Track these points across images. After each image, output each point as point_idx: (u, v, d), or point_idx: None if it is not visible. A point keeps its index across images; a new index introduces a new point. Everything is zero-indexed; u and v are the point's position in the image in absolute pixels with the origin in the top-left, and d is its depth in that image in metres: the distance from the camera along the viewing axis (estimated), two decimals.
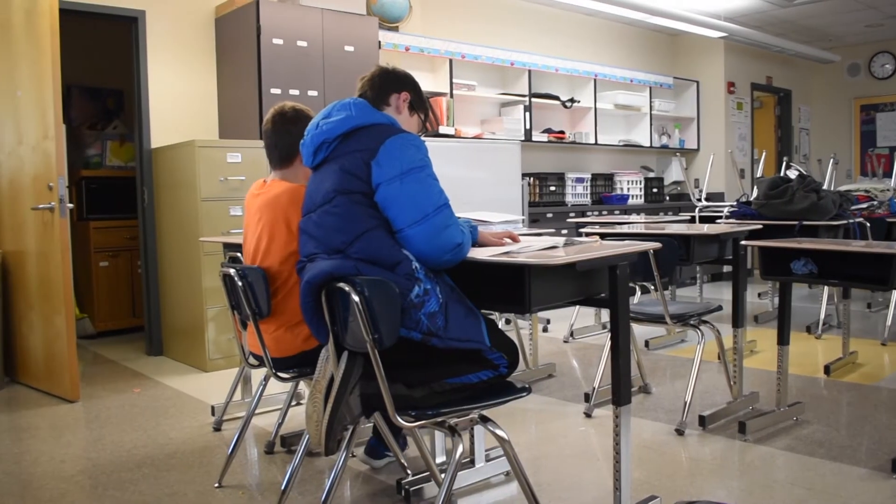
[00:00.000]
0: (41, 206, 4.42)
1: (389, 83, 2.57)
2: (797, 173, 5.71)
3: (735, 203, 6.04)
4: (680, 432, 3.66)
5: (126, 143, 6.78)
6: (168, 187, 5.39)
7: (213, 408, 4.06)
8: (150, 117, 5.53)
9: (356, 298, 2.06)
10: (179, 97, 5.67)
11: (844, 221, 5.29)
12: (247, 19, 5.44)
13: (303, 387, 4.03)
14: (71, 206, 4.50)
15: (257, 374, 4.43)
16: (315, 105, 5.38)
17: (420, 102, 2.63)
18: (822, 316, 5.99)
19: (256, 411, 4.06)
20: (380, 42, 6.19)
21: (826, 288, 6.03)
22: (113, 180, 6.61)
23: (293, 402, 3.80)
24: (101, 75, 6.86)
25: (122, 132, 6.87)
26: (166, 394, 4.60)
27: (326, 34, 5.66)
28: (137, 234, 5.82)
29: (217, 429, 3.86)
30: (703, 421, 3.73)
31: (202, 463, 3.40)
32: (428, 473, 2.96)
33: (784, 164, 7.62)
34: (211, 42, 5.82)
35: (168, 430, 3.88)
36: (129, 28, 5.54)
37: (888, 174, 7.40)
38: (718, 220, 5.83)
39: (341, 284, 2.11)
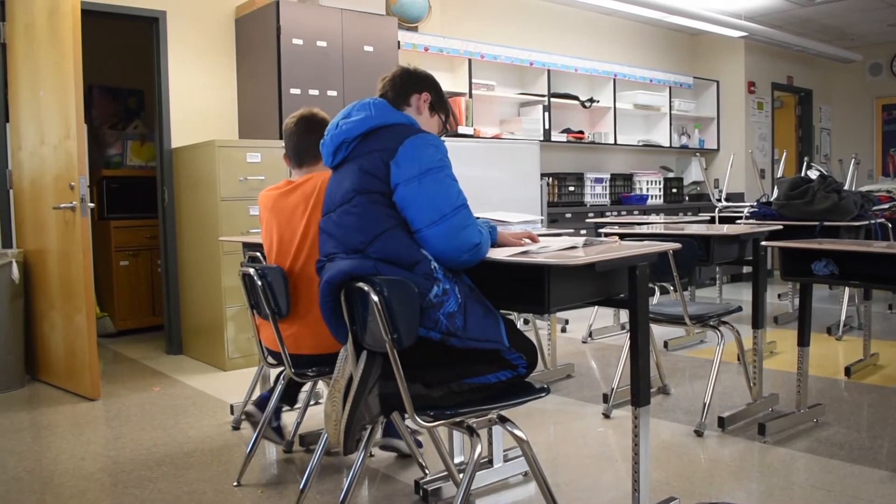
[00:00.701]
0: (63, 205, 4.46)
1: (410, 83, 2.57)
2: (818, 174, 5.66)
3: (755, 203, 6.00)
4: (699, 433, 3.65)
5: (147, 142, 6.83)
6: (188, 187, 5.42)
7: (232, 406, 4.08)
8: (171, 117, 5.57)
9: (375, 298, 2.06)
10: (200, 97, 5.71)
11: (866, 222, 5.24)
12: (267, 19, 5.47)
13: (322, 386, 4.04)
14: (92, 205, 4.54)
15: (275, 374, 4.46)
16: (334, 105, 5.41)
17: (441, 103, 2.62)
18: (843, 317, 5.94)
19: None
20: (399, 42, 6.20)
21: (847, 289, 5.98)
22: (133, 180, 6.66)
23: (312, 402, 3.81)
24: (122, 75, 6.91)
25: (143, 132, 6.92)
26: (185, 392, 4.63)
27: (346, 34, 5.68)
28: (157, 233, 5.86)
29: (236, 428, 3.88)
30: (722, 422, 3.71)
31: (221, 462, 3.42)
32: (446, 473, 2.97)
33: (805, 164, 7.56)
34: (231, 42, 5.85)
35: (187, 428, 3.90)
36: (149, 28, 5.58)
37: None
38: (738, 221, 5.80)
39: (360, 284, 2.12)
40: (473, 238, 2.27)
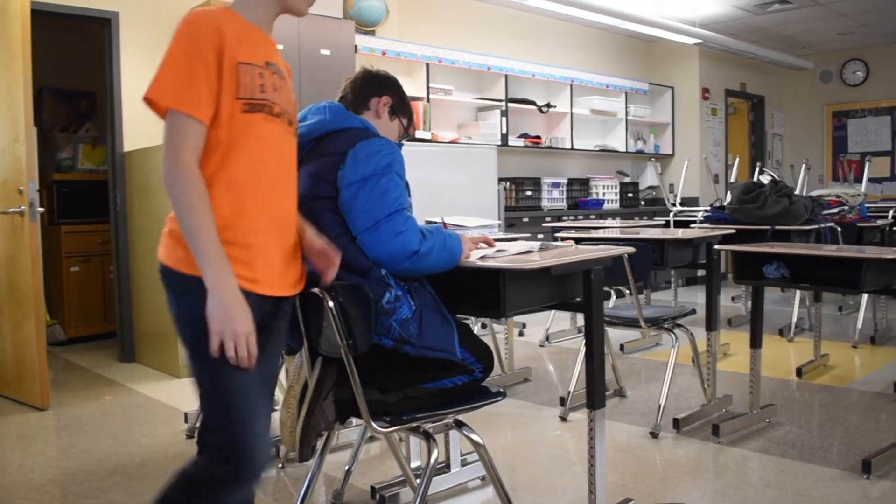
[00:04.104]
0: (11, 210, 4.36)
1: (371, 86, 2.55)
2: (770, 178, 5.76)
3: (709, 208, 6.08)
4: (654, 435, 3.68)
5: (98, 146, 6.71)
6: (141, 191, 5.34)
7: (186, 415, 4.02)
8: (124, 120, 5.48)
9: (330, 304, 2.04)
10: None
11: (816, 226, 5.34)
12: None
13: (278, 393, 3.99)
14: (41, 210, 4.45)
15: None
16: None
17: (402, 107, 2.58)
18: (795, 319, 6.05)
19: None
20: (356, 46, 6.18)
21: (798, 291, 6.09)
22: (85, 184, 6.53)
23: None
24: (73, 77, 6.78)
25: (95, 135, 6.80)
26: (139, 401, 4.55)
27: (302, 38, 5.64)
28: (110, 238, 5.75)
29: (190, 436, 3.82)
30: (677, 424, 3.75)
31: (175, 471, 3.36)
32: (403, 478, 2.95)
33: (757, 169, 7.69)
34: None
35: (140, 437, 3.83)
36: (102, 29, 5.48)
37: (859, 179, 7.51)
38: (693, 225, 5.88)
39: (315, 290, 2.10)
40: (410, 245, 2.20)
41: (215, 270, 1.67)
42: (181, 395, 4.57)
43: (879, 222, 6.22)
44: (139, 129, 5.50)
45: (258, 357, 1.73)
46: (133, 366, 5.46)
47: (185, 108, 1.71)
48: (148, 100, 1.76)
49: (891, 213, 6.60)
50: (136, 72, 5.51)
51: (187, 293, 1.74)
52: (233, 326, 1.65)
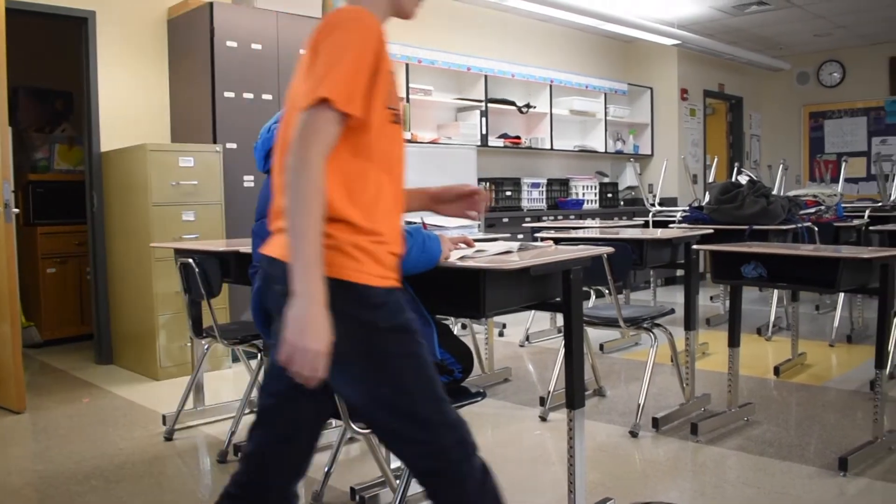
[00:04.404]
0: None
1: None
2: (748, 179, 5.80)
3: (688, 208, 6.12)
4: (634, 434, 3.69)
5: (75, 146, 6.65)
6: (118, 192, 5.30)
7: (164, 417, 3.99)
8: (100, 120, 5.43)
9: None
10: (130, 100, 5.58)
11: (793, 226, 5.38)
12: (200, 21, 5.38)
13: (257, 394, 3.97)
14: (17, 210, 4.41)
15: (209, 382, 4.39)
16: (269, 109, 5.35)
17: None
18: (773, 318, 6.09)
19: (209, 420, 4.04)
20: None
21: (776, 291, 6.14)
22: (61, 184, 6.47)
23: (247, 410, 3.75)
24: (49, 77, 6.72)
25: (71, 135, 6.74)
26: (116, 403, 4.51)
27: (281, 37, 5.62)
28: (86, 239, 5.70)
29: (168, 438, 3.79)
30: (656, 423, 3.77)
31: (153, 474, 3.34)
32: (383, 479, 2.95)
33: (735, 169, 7.75)
34: (163, 44, 5.74)
35: (118, 440, 3.80)
36: (78, 28, 5.43)
37: (835, 180, 7.58)
38: (671, 225, 5.90)
39: None
40: None
41: (308, 277, 1.51)
42: (159, 397, 4.54)
43: (855, 222, 6.28)
44: (116, 129, 5.46)
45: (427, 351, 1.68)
46: (110, 368, 5.42)
47: (342, 103, 1.55)
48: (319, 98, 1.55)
49: (867, 212, 6.66)
50: (113, 71, 5.47)
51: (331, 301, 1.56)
52: (307, 342, 1.50)
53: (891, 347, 4.04)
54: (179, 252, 3.81)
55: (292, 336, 1.51)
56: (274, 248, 1.69)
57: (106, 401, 4.57)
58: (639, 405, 3.80)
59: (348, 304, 1.59)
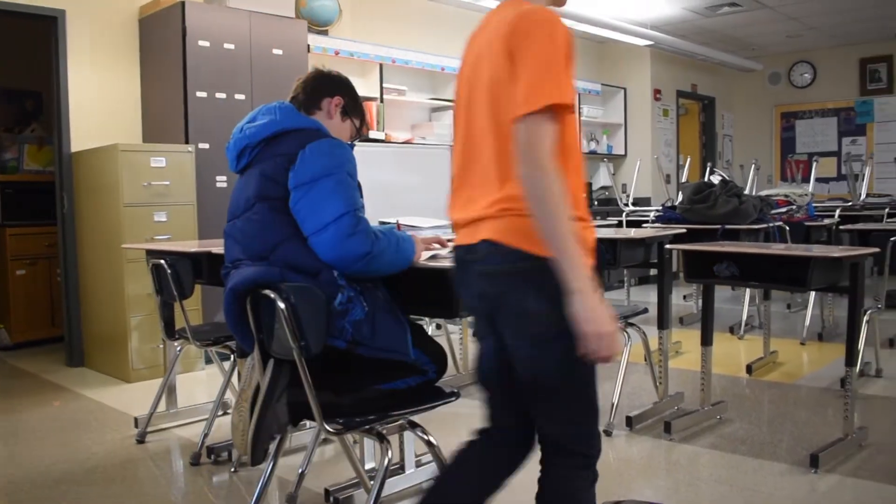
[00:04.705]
0: None
1: (322, 86, 2.53)
2: (720, 179, 5.84)
3: (661, 208, 6.16)
4: (608, 433, 3.71)
5: (45, 146, 6.57)
6: (89, 192, 5.24)
7: (136, 419, 3.95)
8: (70, 120, 5.36)
9: (282, 305, 2.03)
10: (101, 99, 5.52)
11: (765, 225, 5.43)
12: (172, 20, 5.33)
13: (230, 396, 3.95)
14: None
15: (182, 384, 4.35)
16: (242, 109, 5.32)
17: (354, 108, 2.57)
18: (745, 317, 6.15)
19: (181, 422, 4.00)
20: (309, 45, 6.13)
21: (748, 290, 6.19)
22: (30, 185, 6.39)
23: (220, 412, 3.73)
24: (18, 76, 6.63)
25: (41, 135, 6.66)
26: (88, 406, 4.46)
27: (254, 37, 5.58)
28: (56, 241, 5.63)
29: (141, 441, 3.76)
30: (629, 422, 3.79)
31: (125, 477, 3.31)
32: (358, 480, 2.94)
33: (708, 169, 7.80)
34: (134, 43, 5.69)
35: (90, 444, 3.76)
36: (48, 28, 5.36)
37: (806, 179, 7.65)
38: (645, 225, 5.94)
39: (267, 291, 2.08)
40: (362, 247, 2.20)
41: (581, 273, 1.61)
42: (131, 400, 4.50)
43: (826, 221, 6.35)
44: (87, 129, 5.40)
45: None
46: (82, 370, 5.35)
47: (562, 106, 1.65)
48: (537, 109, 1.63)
49: (837, 212, 6.74)
50: (83, 71, 5.41)
51: (545, 282, 1.67)
52: (602, 327, 1.60)
53: (861, 345, 4.08)
54: (151, 253, 3.78)
55: (590, 326, 1.60)
56: (496, 232, 1.75)
57: (77, 404, 4.51)
58: (613, 404, 3.81)
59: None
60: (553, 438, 1.87)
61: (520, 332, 1.77)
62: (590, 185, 9.50)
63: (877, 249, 3.56)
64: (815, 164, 7.61)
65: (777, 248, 3.60)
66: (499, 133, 1.75)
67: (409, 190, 6.53)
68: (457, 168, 1.99)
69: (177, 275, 3.36)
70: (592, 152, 9.58)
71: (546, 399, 1.81)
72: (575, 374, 1.77)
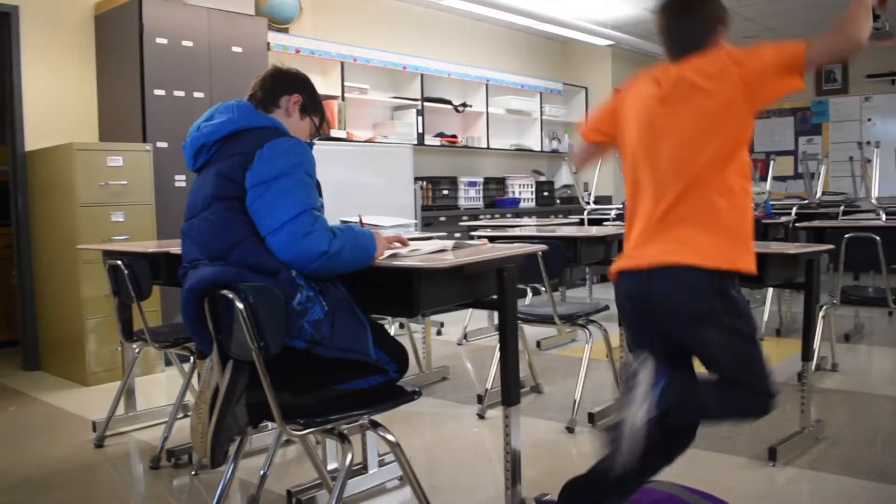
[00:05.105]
0: None
1: (280, 84, 2.50)
2: None
3: (621, 206, 6.20)
4: (570, 430, 3.73)
5: None
6: (44, 192, 5.15)
7: (94, 423, 3.88)
8: (25, 118, 5.26)
9: (240, 306, 2.01)
10: (56, 97, 5.42)
11: None
12: (129, 17, 5.26)
13: (190, 398, 3.91)
14: None
15: (141, 386, 4.29)
16: (201, 107, 5.24)
17: (313, 105, 2.55)
18: None
19: (141, 426, 3.95)
20: (269, 43, 6.09)
21: None
22: None
23: (180, 415, 3.68)
24: None
25: None
26: (44, 411, 4.39)
27: (213, 34, 5.52)
28: (11, 241, 5.53)
29: (99, 445, 3.69)
30: (592, 418, 3.81)
31: (83, 482, 3.25)
32: (320, 481, 2.92)
33: None
34: (90, 40, 5.60)
35: (46, 449, 3.69)
36: (1, 24, 5.26)
37: (764, 178, 7.74)
38: (606, 223, 5.98)
39: (225, 291, 2.05)
40: (319, 246, 2.17)
41: None
42: (89, 404, 4.42)
43: (783, 219, 6.44)
44: (42, 128, 5.30)
45: None
46: (38, 374, 5.26)
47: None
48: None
49: (794, 210, 6.85)
50: (38, 68, 5.31)
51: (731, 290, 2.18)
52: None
53: (817, 340, 4.15)
54: (108, 254, 3.71)
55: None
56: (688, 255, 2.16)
57: (33, 408, 4.43)
58: (575, 401, 3.84)
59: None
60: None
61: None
62: (552, 183, 9.55)
63: (832, 246, 3.62)
64: (772, 163, 7.71)
65: None
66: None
67: (371, 189, 6.51)
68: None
69: (134, 276, 3.31)
70: (555, 151, 9.63)
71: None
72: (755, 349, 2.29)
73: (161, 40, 5.25)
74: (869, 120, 10.51)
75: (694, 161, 2.20)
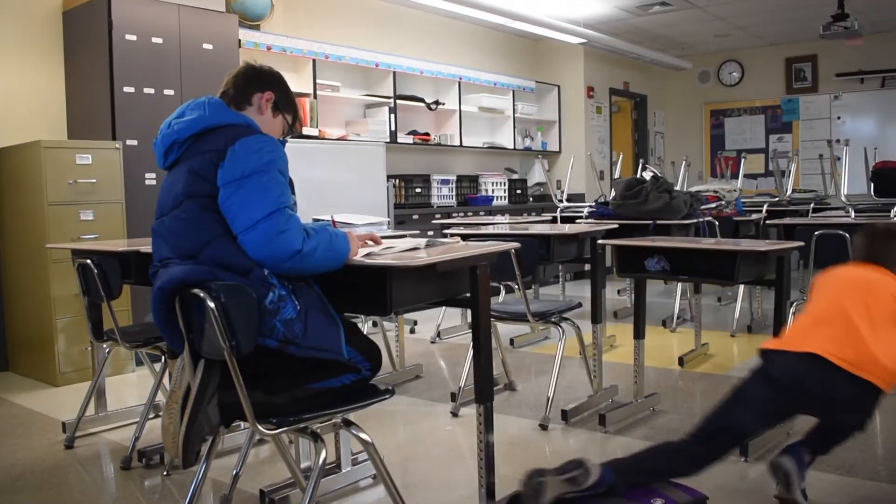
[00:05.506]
0: None
1: (253, 82, 2.48)
2: (651, 175, 5.95)
3: (594, 203, 6.23)
4: (544, 427, 3.74)
5: None
6: (11, 191, 5.07)
7: (64, 424, 3.84)
8: None
9: (212, 305, 1.99)
10: (24, 95, 5.34)
11: (695, 220, 5.54)
12: (97, 14, 5.19)
13: (161, 398, 3.87)
14: None
15: (112, 387, 4.25)
16: (171, 104, 5.20)
17: (286, 103, 2.53)
18: (677, 310, 6.27)
19: (111, 426, 3.91)
20: (240, 40, 6.04)
21: (679, 284, 6.31)
22: None
23: (151, 415, 3.65)
24: None
25: None
26: (13, 412, 4.32)
27: (183, 31, 5.47)
28: None
29: (69, 446, 3.65)
30: (565, 415, 3.83)
31: (53, 484, 3.21)
32: (293, 480, 2.91)
33: (640, 166, 7.93)
34: (58, 37, 5.52)
35: (16, 450, 3.64)
36: None
37: (735, 175, 7.82)
38: (578, 220, 6.00)
39: (196, 290, 2.04)
40: (293, 244, 2.16)
41: None
42: (59, 405, 4.37)
43: (754, 216, 6.51)
44: (9, 125, 5.22)
45: None
46: (6, 375, 5.18)
47: None
48: None
49: (764, 207, 6.92)
50: (4, 65, 5.23)
51: None
52: None
53: None
54: (77, 253, 3.67)
55: None
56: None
57: (2, 409, 4.37)
58: (548, 398, 3.85)
59: None
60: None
61: None
62: (525, 181, 9.57)
63: (802, 243, 3.66)
64: (743, 161, 7.79)
65: (706, 243, 3.67)
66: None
67: (344, 187, 6.50)
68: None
69: (104, 275, 3.28)
70: (527, 149, 9.65)
71: None
72: None
73: (130, 37, 5.19)
74: (839, 118, 10.64)
75: None
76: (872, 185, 6.36)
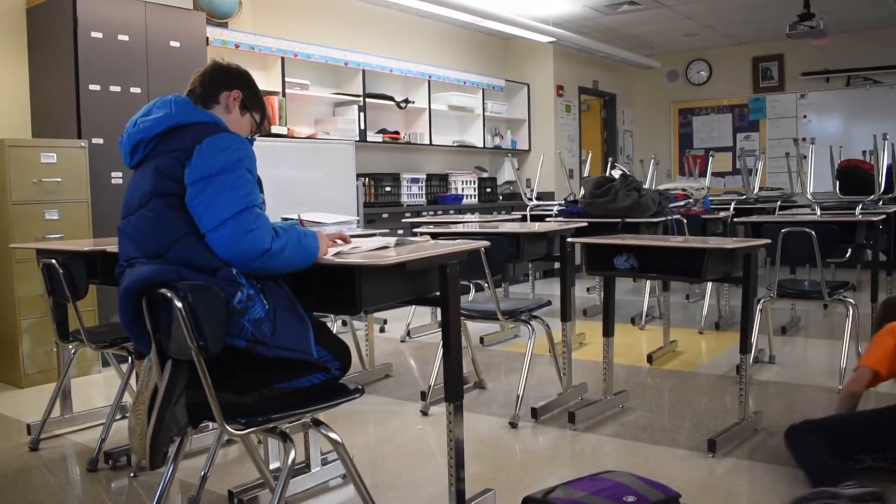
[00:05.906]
0: None
1: (220, 80, 2.46)
2: (620, 173, 5.98)
3: (563, 202, 6.26)
4: (513, 425, 3.75)
5: None
6: None
7: (29, 426, 3.78)
8: None
9: (179, 304, 1.97)
10: None
11: (663, 218, 5.59)
12: (62, 10, 5.12)
13: (128, 399, 3.83)
14: None
15: (78, 388, 4.19)
16: (138, 102, 5.13)
17: (254, 101, 2.51)
18: (646, 308, 6.31)
19: (77, 428, 3.86)
20: (208, 38, 5.99)
21: (648, 281, 6.36)
22: None
23: (118, 416, 3.61)
24: None
25: None
26: None
27: (150, 28, 5.41)
28: None
29: (34, 448, 3.60)
30: (535, 413, 3.84)
31: (18, 486, 3.17)
32: (262, 481, 2.89)
33: (609, 164, 7.97)
34: (22, 34, 5.43)
35: None
36: None
37: (703, 174, 7.89)
38: (548, 219, 6.02)
39: (163, 290, 2.01)
40: (262, 243, 2.14)
41: None
42: (23, 406, 4.31)
43: (722, 214, 6.57)
44: None
45: None
46: None
47: None
48: None
49: (732, 205, 6.99)
50: None
51: None
52: None
53: (755, 333, 4.24)
54: (42, 252, 3.62)
55: None
56: None
57: None
58: (518, 396, 3.86)
59: None
60: None
61: None
62: (494, 179, 9.59)
63: (769, 241, 3.71)
64: (711, 159, 7.86)
65: (675, 241, 3.70)
66: None
67: (313, 185, 6.47)
68: None
69: (69, 274, 3.23)
70: (497, 147, 9.67)
71: None
72: None
73: (96, 34, 5.12)
74: (804, 117, 10.78)
75: None
76: (838, 183, 6.46)
